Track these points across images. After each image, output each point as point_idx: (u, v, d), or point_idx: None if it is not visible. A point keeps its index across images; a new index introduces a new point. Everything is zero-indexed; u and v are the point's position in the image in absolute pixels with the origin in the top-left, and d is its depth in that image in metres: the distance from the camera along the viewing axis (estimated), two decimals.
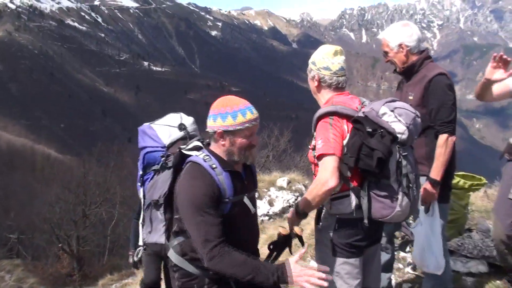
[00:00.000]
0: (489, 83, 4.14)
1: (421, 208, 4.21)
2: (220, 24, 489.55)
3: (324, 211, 3.56)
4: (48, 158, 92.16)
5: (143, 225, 3.55)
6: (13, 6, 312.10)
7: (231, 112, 3.02)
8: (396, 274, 6.28)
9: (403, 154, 3.33)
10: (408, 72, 4.48)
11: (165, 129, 3.65)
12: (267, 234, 8.87)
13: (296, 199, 12.67)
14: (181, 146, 3.30)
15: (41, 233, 29.37)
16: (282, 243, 3.56)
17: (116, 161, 34.50)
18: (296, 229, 3.56)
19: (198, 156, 3.10)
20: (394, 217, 3.32)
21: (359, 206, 3.33)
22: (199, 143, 3.28)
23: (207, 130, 3.18)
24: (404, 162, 3.30)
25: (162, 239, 3.34)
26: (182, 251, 3.15)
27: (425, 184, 4.26)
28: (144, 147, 3.64)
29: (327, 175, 3.24)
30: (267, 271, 2.83)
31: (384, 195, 3.29)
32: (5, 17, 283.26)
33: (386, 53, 4.51)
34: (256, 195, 3.26)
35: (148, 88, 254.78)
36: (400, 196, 3.28)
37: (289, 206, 12.41)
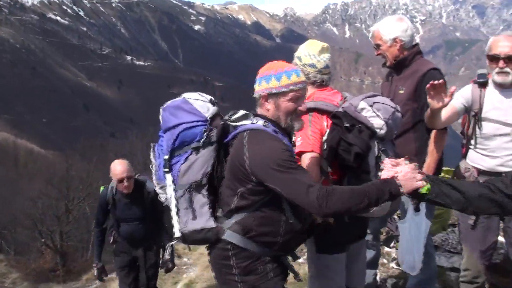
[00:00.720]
0: (436, 112, 3.94)
1: (410, 205, 4.16)
2: (203, 18, 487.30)
3: None
4: (30, 153, 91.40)
5: (178, 214, 3.16)
6: None
7: (275, 74, 2.95)
8: (380, 269, 6.33)
9: (382, 149, 3.36)
10: (399, 66, 4.48)
11: (202, 103, 3.25)
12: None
13: None
14: (225, 117, 3.17)
15: (24, 229, 29.20)
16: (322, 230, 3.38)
17: (99, 156, 34.33)
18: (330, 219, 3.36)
19: (255, 123, 2.98)
20: (374, 213, 3.28)
21: None
22: (246, 112, 3.15)
23: (253, 96, 3.10)
24: (383, 157, 3.30)
25: (211, 223, 3.08)
26: (244, 228, 3.00)
27: None
28: (179, 124, 3.16)
29: None
30: (375, 188, 2.71)
31: None
32: None
33: (378, 45, 4.50)
34: None
35: (131, 82, 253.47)
36: None
37: None
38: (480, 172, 4.12)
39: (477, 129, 4.09)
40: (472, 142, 4.17)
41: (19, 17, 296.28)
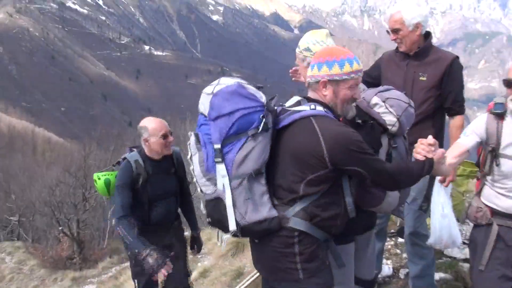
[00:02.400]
0: (452, 165, 3.62)
1: (437, 186, 4.11)
2: (221, 8, 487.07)
3: None
4: (48, 141, 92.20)
5: (234, 207, 2.95)
6: None
7: (338, 61, 2.91)
8: (393, 259, 6.32)
9: (394, 145, 3.33)
10: (420, 53, 4.39)
11: (254, 88, 3.04)
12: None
13: None
14: (283, 104, 3.09)
15: (42, 216, 29.51)
16: None
17: (116, 145, 34.53)
18: None
19: (316, 109, 2.92)
20: (383, 208, 3.30)
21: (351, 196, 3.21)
22: (299, 98, 3.07)
23: (307, 80, 3.05)
24: (394, 154, 3.31)
25: (273, 212, 2.90)
26: (310, 215, 2.91)
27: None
28: (235, 111, 2.93)
29: None
30: (420, 166, 2.97)
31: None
32: None
33: (397, 30, 4.35)
34: None
35: (149, 72, 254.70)
36: None
37: None
38: (495, 212, 3.61)
39: (495, 166, 3.57)
40: (489, 178, 3.65)
41: (39, 6, 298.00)
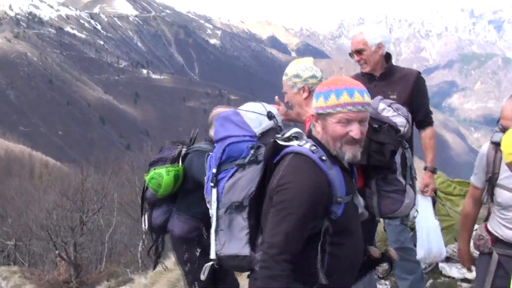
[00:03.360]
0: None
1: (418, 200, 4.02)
2: (219, 32, 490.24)
3: None
4: (46, 165, 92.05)
5: (216, 235, 2.89)
6: (12, 13, 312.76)
7: (325, 92, 2.61)
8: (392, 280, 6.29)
9: (406, 146, 3.38)
10: (387, 74, 4.47)
11: (254, 116, 2.97)
12: None
13: None
14: (277, 136, 2.77)
15: (38, 240, 29.31)
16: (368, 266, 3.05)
17: (113, 168, 34.47)
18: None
19: (303, 146, 2.61)
20: (402, 211, 3.31)
21: (366, 207, 3.17)
22: (299, 130, 2.80)
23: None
24: (407, 154, 3.37)
25: (245, 250, 2.80)
26: None
27: (426, 174, 4.44)
28: (226, 137, 2.91)
29: None
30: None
31: (392, 190, 3.28)
32: (4, 24, 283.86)
33: (361, 51, 4.40)
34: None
35: (147, 95, 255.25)
36: (407, 189, 3.31)
37: None
38: (497, 240, 3.58)
39: (493, 196, 3.56)
40: (492, 207, 3.65)
41: (37, 31, 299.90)
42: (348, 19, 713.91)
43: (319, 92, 2.63)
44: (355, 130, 2.55)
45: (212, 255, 2.90)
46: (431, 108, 4.76)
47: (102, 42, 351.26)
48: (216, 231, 2.89)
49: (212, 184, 2.91)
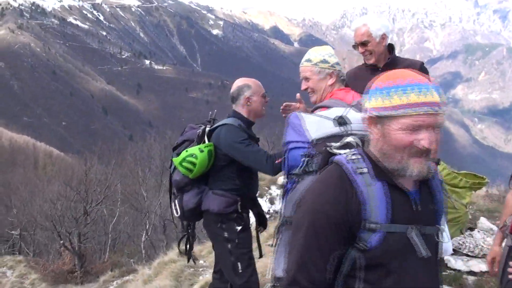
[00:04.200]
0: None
1: None
2: (221, 23, 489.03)
3: None
4: (50, 156, 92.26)
5: (275, 252, 2.63)
6: (15, 4, 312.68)
7: (384, 88, 2.01)
8: None
9: None
10: (391, 64, 4.36)
11: (315, 119, 2.64)
12: (268, 232, 8.89)
13: None
14: (330, 144, 2.26)
15: (43, 230, 29.45)
16: None
17: (117, 159, 34.54)
18: None
19: (342, 155, 2.11)
20: None
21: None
22: (355, 139, 2.23)
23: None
24: None
25: None
26: None
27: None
28: (289, 142, 2.64)
29: None
30: None
31: None
32: (8, 15, 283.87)
33: (366, 43, 4.35)
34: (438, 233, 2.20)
35: (150, 86, 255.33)
36: None
37: None
38: None
39: None
40: None
41: (40, 22, 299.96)
42: (351, 9, 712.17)
43: (377, 89, 2.04)
44: (425, 139, 1.95)
45: (268, 274, 2.68)
46: None
47: (104, 33, 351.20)
48: (276, 248, 2.62)
49: (281, 194, 2.64)
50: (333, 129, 2.56)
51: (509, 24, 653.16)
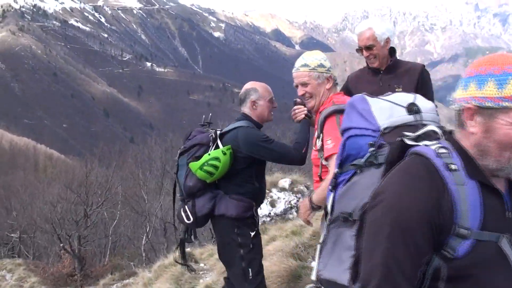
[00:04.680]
0: None
1: None
2: (223, 25, 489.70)
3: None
4: (50, 158, 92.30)
5: (321, 251, 2.44)
6: (16, 6, 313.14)
7: (498, 74, 1.58)
8: None
9: None
10: (392, 67, 4.42)
11: (386, 105, 2.35)
12: (269, 235, 8.84)
13: (298, 201, 12.68)
14: (406, 133, 1.88)
15: (43, 233, 29.43)
16: None
17: (117, 161, 34.53)
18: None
19: (429, 147, 1.73)
20: None
21: None
22: (436, 129, 1.87)
23: (451, 106, 1.79)
24: None
25: (344, 278, 2.08)
26: None
27: None
28: (347, 129, 2.39)
29: None
30: None
31: None
32: (9, 17, 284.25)
33: (371, 46, 4.32)
34: None
35: (151, 88, 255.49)
36: None
37: (291, 208, 12.41)
38: None
39: None
40: None
41: (41, 24, 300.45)
42: (352, 12, 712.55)
43: (484, 74, 1.61)
44: None
45: (313, 276, 2.48)
46: (437, 103, 4.66)
47: (106, 35, 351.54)
48: (322, 246, 2.44)
49: (330, 187, 2.44)
50: (406, 117, 2.30)
51: (509, 28, 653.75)
